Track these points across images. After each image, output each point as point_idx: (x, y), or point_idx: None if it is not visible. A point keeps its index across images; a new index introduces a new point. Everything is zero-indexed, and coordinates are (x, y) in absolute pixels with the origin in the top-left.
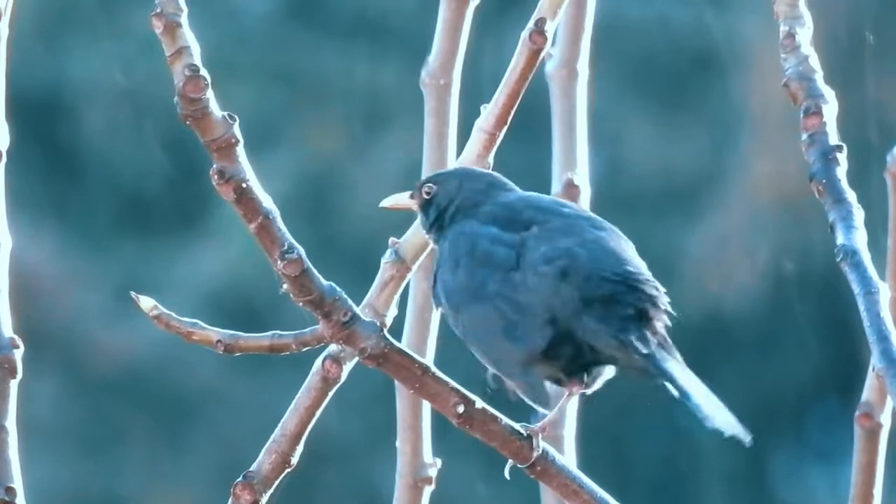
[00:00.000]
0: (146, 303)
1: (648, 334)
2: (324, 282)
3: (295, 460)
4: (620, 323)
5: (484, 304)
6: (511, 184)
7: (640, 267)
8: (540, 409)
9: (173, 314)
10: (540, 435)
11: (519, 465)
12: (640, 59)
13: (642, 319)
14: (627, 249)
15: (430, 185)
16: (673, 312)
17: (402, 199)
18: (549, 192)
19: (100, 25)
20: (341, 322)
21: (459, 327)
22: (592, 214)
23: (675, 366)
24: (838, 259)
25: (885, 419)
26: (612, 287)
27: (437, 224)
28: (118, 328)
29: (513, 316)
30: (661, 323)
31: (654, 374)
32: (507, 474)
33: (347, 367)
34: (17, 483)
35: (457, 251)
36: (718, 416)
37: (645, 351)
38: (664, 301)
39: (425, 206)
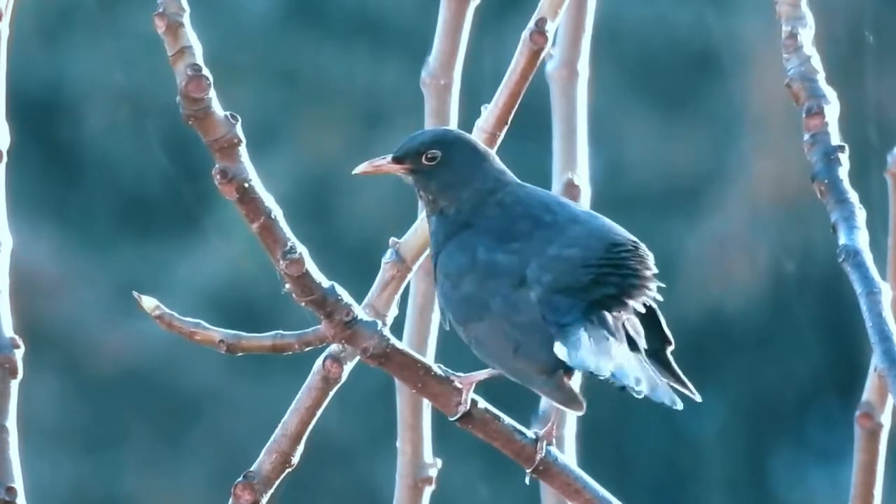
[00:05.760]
0: (148, 303)
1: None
2: (326, 282)
3: (295, 460)
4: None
5: (490, 323)
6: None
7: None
8: (569, 411)
9: (175, 314)
10: (545, 441)
11: (530, 473)
12: (640, 59)
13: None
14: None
15: (433, 150)
16: (652, 288)
17: (382, 164)
18: None
19: (100, 25)
20: (343, 322)
21: (472, 342)
22: (580, 210)
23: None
24: (840, 259)
25: (886, 419)
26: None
27: (450, 204)
28: (118, 328)
29: (519, 336)
30: (641, 301)
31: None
32: (527, 481)
33: (348, 367)
34: (18, 483)
35: (459, 262)
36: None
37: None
38: (645, 283)
39: (425, 175)
